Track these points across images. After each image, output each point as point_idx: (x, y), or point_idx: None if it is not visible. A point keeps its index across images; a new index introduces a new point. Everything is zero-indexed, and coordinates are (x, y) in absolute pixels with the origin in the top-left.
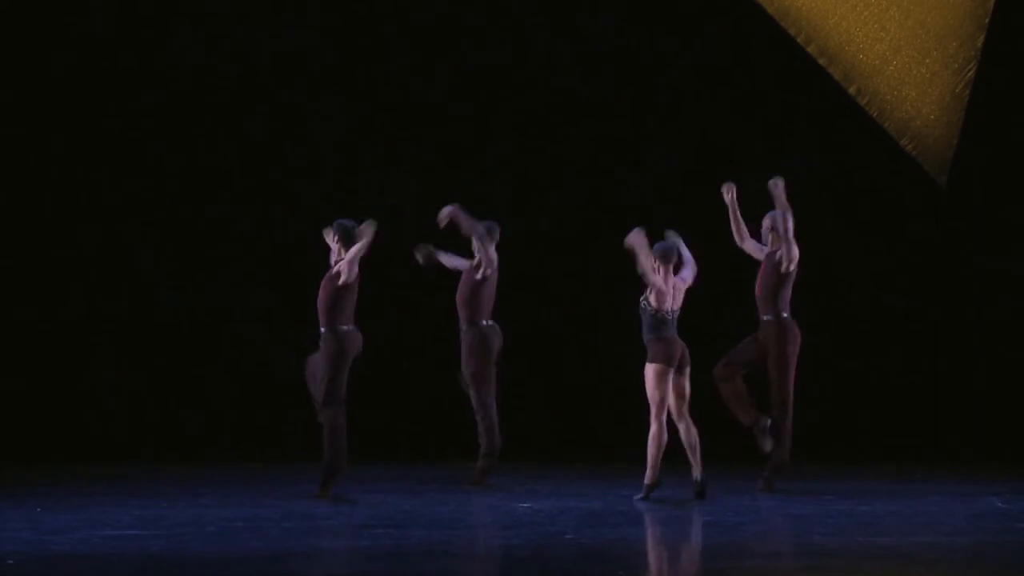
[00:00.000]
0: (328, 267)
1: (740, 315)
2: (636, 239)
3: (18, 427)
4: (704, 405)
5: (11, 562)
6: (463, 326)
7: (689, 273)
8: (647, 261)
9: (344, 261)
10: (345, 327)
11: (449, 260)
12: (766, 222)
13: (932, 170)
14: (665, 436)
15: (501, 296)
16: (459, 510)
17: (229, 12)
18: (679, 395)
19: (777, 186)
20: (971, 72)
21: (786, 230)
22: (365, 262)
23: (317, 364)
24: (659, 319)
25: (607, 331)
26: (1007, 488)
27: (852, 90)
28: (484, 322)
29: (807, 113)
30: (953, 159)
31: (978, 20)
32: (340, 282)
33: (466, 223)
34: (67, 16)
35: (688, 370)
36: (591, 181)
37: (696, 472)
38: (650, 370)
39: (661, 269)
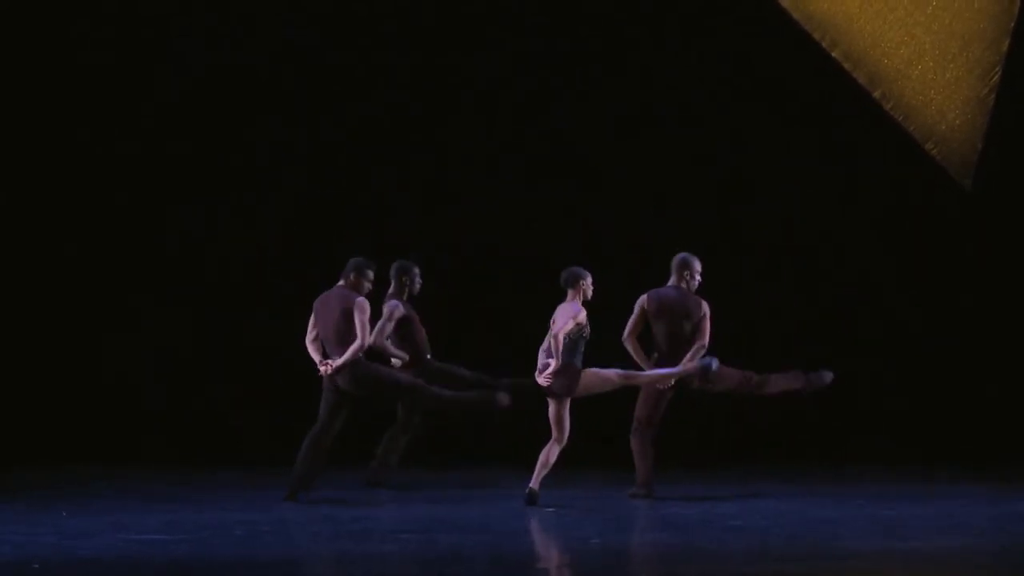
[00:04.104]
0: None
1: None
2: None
3: (43, 431)
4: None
5: (36, 567)
6: None
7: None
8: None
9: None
10: None
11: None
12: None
13: (957, 174)
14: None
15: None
16: (485, 515)
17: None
18: None
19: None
20: (996, 77)
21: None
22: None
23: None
24: None
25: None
26: None
27: (877, 94)
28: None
29: (831, 117)
30: (977, 163)
31: (1003, 25)
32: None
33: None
34: (71, 18)
35: None
36: (598, 186)
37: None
38: None
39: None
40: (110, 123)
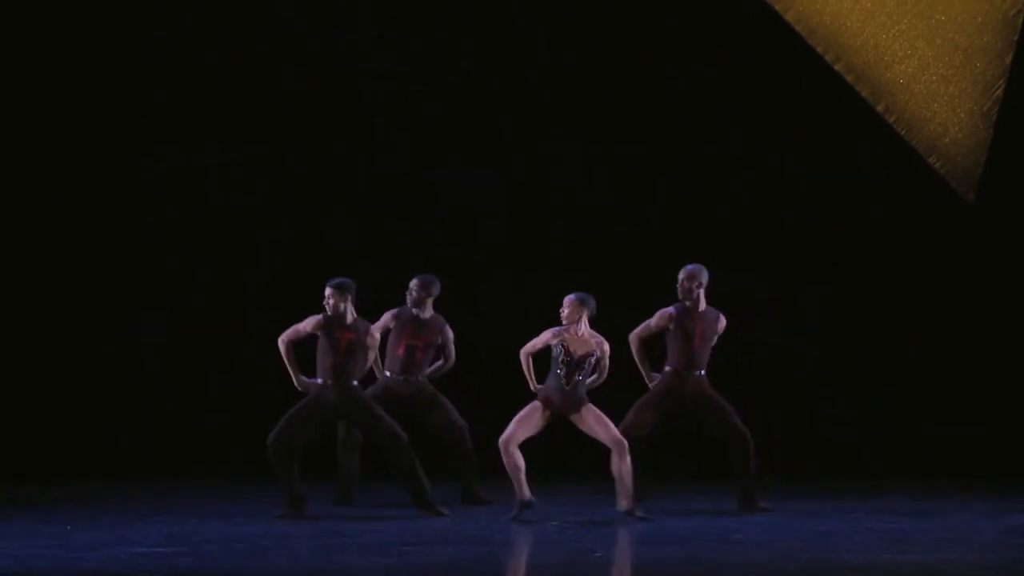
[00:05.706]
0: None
1: None
2: None
3: (47, 444)
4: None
5: None
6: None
7: None
8: None
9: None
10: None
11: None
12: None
13: (960, 188)
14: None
15: (526, 315)
16: (487, 528)
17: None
18: None
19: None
20: (999, 90)
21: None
22: None
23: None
24: None
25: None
26: None
27: (880, 108)
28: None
29: (836, 130)
30: (981, 177)
31: (1007, 38)
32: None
33: None
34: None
35: None
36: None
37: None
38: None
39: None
40: (108, 125)
